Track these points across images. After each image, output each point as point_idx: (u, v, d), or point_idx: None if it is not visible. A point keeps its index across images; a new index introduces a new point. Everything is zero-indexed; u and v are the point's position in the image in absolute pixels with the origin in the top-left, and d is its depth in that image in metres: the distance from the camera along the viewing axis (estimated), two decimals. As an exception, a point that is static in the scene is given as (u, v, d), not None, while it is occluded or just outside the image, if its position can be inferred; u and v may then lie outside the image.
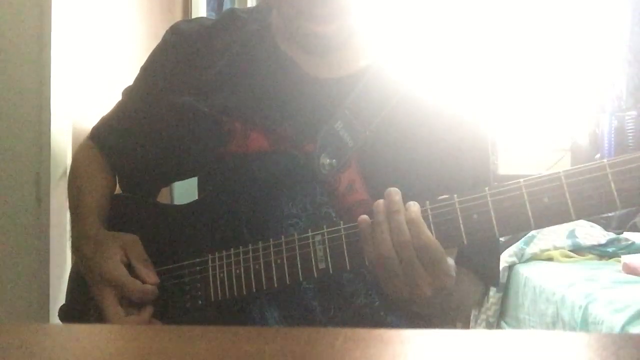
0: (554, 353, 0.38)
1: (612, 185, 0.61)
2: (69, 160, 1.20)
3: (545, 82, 3.63)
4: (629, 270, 2.33)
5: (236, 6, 2.55)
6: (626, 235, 2.77)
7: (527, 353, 0.38)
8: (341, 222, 0.74)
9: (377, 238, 0.70)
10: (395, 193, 0.70)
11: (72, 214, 0.95)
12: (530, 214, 0.65)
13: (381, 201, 0.71)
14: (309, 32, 0.81)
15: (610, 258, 2.67)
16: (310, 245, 0.74)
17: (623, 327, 1.77)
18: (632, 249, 2.67)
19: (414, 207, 0.69)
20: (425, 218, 0.69)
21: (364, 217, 0.71)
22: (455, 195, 0.69)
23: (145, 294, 0.82)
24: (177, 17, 2.07)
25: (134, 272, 0.83)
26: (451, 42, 0.92)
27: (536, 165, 3.41)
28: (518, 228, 0.66)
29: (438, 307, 0.77)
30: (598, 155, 3.34)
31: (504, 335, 0.41)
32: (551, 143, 3.61)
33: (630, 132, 3.29)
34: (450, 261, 0.71)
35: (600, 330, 1.86)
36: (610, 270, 2.44)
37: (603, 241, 2.72)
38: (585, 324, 1.96)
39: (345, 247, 0.73)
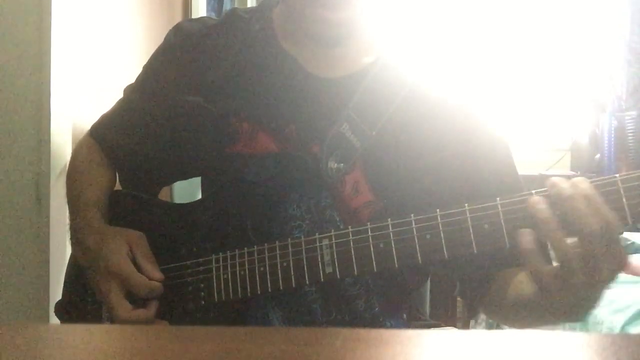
0: (554, 353, 0.38)
1: (624, 200, 0.61)
2: (69, 161, 1.20)
3: (545, 82, 3.62)
4: (629, 270, 2.33)
5: (237, 6, 2.55)
6: (626, 235, 2.76)
7: (527, 353, 0.38)
8: (349, 226, 0.73)
9: (552, 242, 0.61)
10: (558, 180, 0.62)
11: (72, 207, 0.95)
12: None
13: (536, 197, 0.63)
14: (321, 19, 0.79)
15: (610, 258, 2.67)
16: (318, 249, 0.74)
17: (623, 327, 1.77)
18: (632, 249, 2.67)
19: (583, 182, 0.61)
20: (435, 226, 0.68)
21: (525, 230, 0.63)
22: (466, 205, 0.68)
23: (151, 291, 0.82)
24: (177, 17, 2.07)
25: (139, 269, 0.83)
26: (453, 40, 0.91)
27: (536, 165, 3.41)
28: None
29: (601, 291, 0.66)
30: (598, 156, 3.34)
31: (504, 335, 0.41)
32: (551, 143, 3.61)
33: (630, 132, 3.28)
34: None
35: (600, 330, 1.86)
36: (610, 270, 2.43)
37: (603, 241, 2.71)
38: (585, 324, 1.96)
39: (353, 252, 0.72)
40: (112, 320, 0.83)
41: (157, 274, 0.83)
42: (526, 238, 0.63)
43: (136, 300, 0.82)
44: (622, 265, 0.62)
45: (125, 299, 0.81)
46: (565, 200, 0.61)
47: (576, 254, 0.61)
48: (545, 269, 0.64)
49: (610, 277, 0.62)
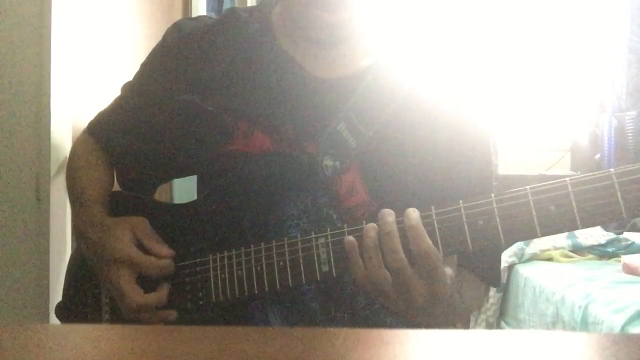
0: (554, 353, 0.38)
1: (619, 194, 0.61)
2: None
3: (545, 82, 3.63)
4: (629, 270, 2.34)
5: (236, 5, 2.55)
6: (626, 235, 2.77)
7: (527, 353, 0.38)
8: (345, 225, 0.73)
9: (366, 263, 0.68)
10: (388, 214, 0.68)
11: (73, 203, 0.95)
12: (536, 221, 0.64)
13: (371, 225, 0.69)
14: (319, 20, 0.80)
15: (610, 258, 2.68)
16: (314, 247, 0.74)
17: (623, 327, 1.77)
18: (632, 249, 2.67)
19: (414, 214, 0.67)
20: (431, 224, 0.68)
21: (350, 238, 0.70)
22: (461, 201, 0.67)
23: (162, 269, 0.82)
24: (177, 16, 2.06)
25: (146, 251, 0.84)
26: (452, 42, 0.91)
27: (536, 165, 3.42)
28: (524, 235, 0.65)
29: (439, 313, 0.74)
30: (598, 156, 3.34)
31: (504, 335, 0.41)
32: (551, 143, 3.61)
33: (630, 132, 3.29)
34: (448, 270, 0.70)
35: (600, 330, 1.86)
36: (610, 270, 2.44)
37: (603, 241, 2.72)
38: (585, 324, 1.96)
39: None
40: (125, 308, 0.83)
41: (166, 251, 0.84)
42: (349, 250, 0.70)
43: (147, 284, 0.83)
44: (435, 296, 0.69)
45: (135, 284, 0.82)
46: (382, 236, 0.68)
47: (384, 284, 0.68)
48: (366, 287, 0.70)
49: (427, 303, 0.69)
